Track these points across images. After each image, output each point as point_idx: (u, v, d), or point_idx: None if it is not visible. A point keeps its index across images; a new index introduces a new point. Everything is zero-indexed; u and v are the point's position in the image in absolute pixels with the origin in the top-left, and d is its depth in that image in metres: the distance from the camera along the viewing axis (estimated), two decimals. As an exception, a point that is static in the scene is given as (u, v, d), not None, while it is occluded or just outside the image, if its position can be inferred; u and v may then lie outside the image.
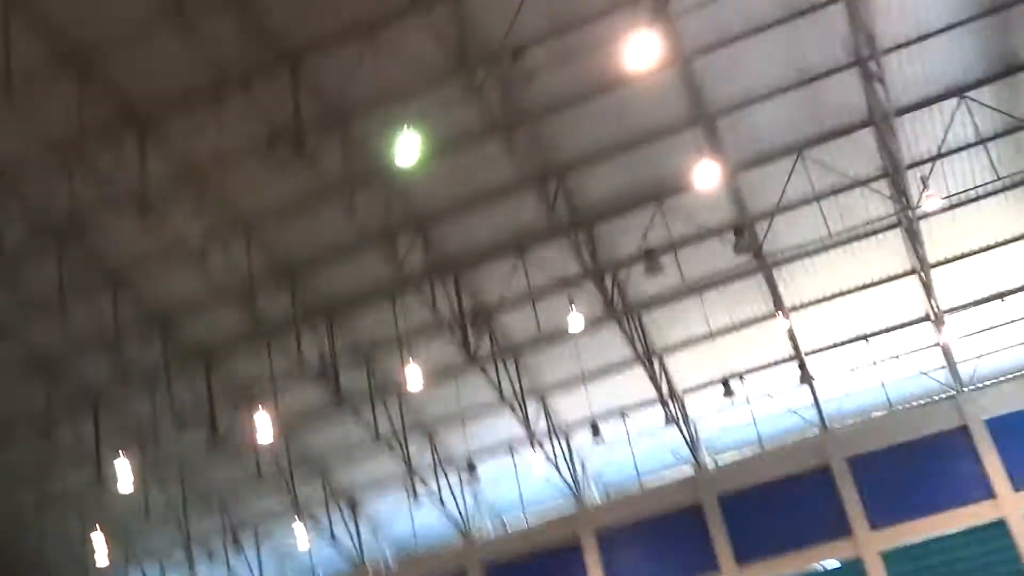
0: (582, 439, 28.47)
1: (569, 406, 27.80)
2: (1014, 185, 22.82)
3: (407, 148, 17.65)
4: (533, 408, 27.20)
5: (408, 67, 18.53)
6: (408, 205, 21.71)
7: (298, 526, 29.01)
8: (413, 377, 23.65)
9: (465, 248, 23.02)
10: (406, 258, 22.22)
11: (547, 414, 27.71)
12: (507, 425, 27.77)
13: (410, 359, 23.74)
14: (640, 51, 16.34)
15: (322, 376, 24.25)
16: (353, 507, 30.65)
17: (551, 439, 27.93)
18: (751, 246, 22.27)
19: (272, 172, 19.97)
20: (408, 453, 27.40)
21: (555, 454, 28.07)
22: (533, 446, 27.22)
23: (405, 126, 17.47)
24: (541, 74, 18.54)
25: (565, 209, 21.91)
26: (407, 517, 30.67)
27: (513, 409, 26.02)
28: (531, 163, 20.86)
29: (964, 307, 25.59)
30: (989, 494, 24.13)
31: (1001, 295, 25.34)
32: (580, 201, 22.13)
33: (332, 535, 30.52)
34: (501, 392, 25.48)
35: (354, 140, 19.82)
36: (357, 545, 30.60)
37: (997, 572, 23.81)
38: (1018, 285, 25.14)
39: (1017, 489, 24.01)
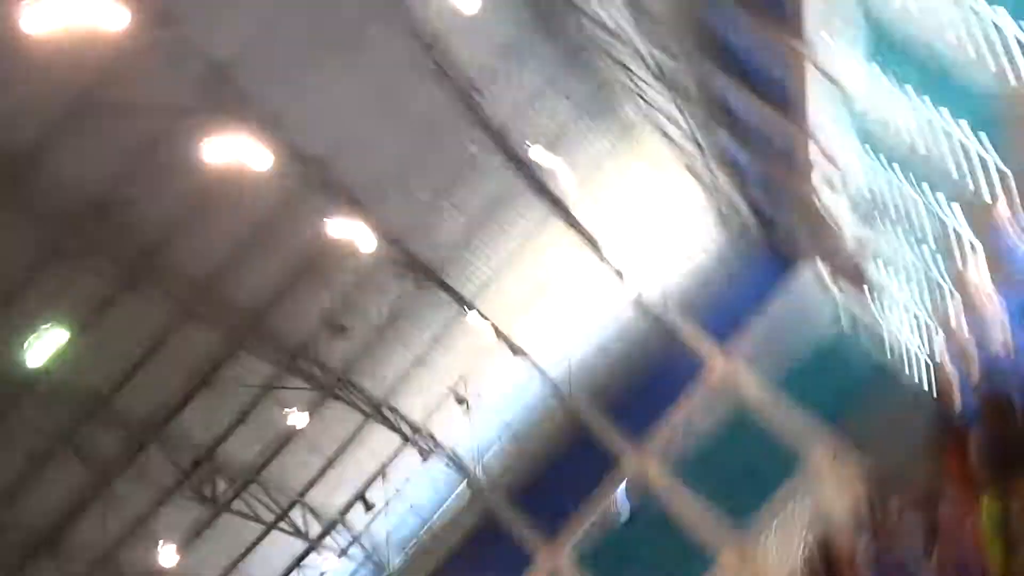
0: (358, 518, 27.93)
1: (330, 495, 27.18)
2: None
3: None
4: (300, 518, 26.39)
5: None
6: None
7: None
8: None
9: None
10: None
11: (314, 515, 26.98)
12: (287, 547, 26.73)
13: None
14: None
15: None
16: None
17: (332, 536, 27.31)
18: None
19: None
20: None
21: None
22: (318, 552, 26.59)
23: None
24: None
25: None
26: None
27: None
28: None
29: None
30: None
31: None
32: (246, 303, 21.64)
33: None
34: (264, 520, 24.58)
35: None
36: None
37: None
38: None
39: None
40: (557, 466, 27.04)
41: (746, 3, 14.49)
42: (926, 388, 21.09)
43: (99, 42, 13.55)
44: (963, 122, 12.20)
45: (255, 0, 16.81)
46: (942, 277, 16.73)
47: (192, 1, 15.79)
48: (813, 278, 26.51)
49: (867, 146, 16.17)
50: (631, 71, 22.97)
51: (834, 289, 25.77)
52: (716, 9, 15.95)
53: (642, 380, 27.17)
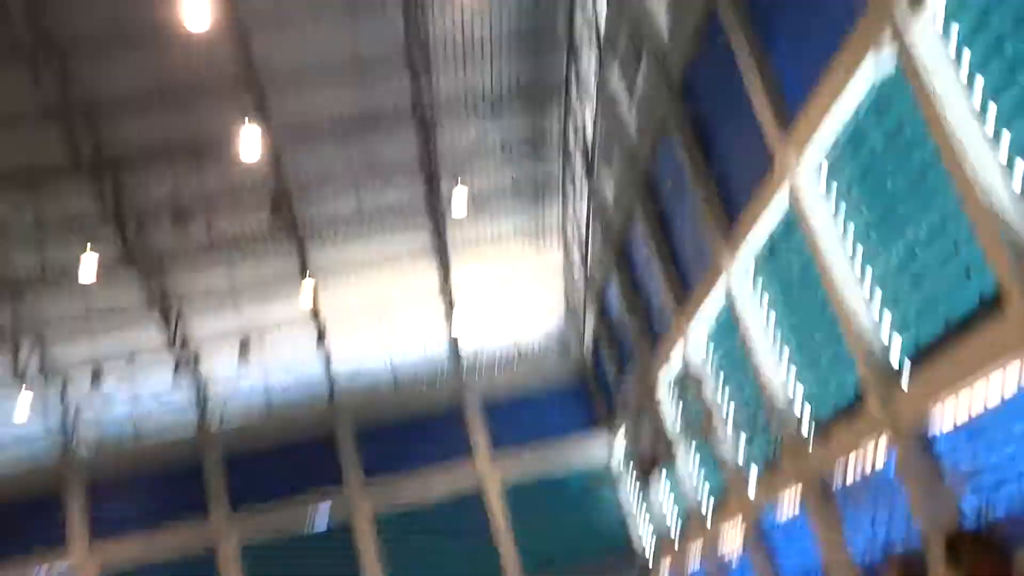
0: (81, 386, 26.47)
1: (70, 350, 25.77)
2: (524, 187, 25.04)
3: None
4: (27, 348, 24.90)
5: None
6: None
7: None
8: None
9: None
10: None
11: (42, 355, 25.47)
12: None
13: None
14: (194, 8, 15.66)
15: None
16: None
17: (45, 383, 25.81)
18: (286, 217, 22.23)
19: None
20: None
21: (47, 400, 26.02)
22: (23, 388, 25.02)
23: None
24: (79, 7, 16.88)
25: (90, 148, 20.25)
26: None
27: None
28: (56, 96, 18.91)
29: (472, 297, 27.53)
30: (470, 460, 26.89)
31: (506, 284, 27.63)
32: (112, 144, 20.58)
33: None
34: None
35: None
36: None
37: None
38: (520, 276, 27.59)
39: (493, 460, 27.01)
40: (288, 457, 26.70)
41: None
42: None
43: None
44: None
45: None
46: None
47: None
48: (607, 447, 27.08)
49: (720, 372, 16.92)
50: (571, 165, 23.32)
51: (618, 467, 26.57)
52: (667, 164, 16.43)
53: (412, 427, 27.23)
